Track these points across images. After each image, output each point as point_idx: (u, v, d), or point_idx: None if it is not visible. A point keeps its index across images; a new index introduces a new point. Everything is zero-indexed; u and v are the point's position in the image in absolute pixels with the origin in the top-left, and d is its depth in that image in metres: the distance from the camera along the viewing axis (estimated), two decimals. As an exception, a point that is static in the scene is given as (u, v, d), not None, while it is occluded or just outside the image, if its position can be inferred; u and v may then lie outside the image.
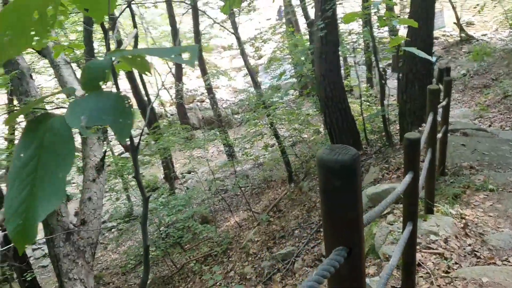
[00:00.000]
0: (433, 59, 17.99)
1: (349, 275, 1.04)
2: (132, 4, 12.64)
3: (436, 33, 24.22)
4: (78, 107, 0.52)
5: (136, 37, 12.61)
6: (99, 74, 0.58)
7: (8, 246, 4.60)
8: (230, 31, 11.57)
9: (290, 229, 7.02)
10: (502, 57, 15.77)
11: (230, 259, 7.52)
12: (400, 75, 7.35)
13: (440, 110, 4.72)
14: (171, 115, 21.22)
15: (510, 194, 4.43)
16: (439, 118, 4.61)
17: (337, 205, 0.96)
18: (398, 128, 8.08)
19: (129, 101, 0.55)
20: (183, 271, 7.83)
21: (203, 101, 22.90)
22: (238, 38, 11.34)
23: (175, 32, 16.84)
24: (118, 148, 17.57)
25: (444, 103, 4.65)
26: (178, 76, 17.85)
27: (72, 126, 0.50)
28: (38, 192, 0.51)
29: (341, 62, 10.07)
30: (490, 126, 9.51)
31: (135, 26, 12.52)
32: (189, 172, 16.58)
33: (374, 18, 9.08)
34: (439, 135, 4.83)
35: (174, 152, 16.00)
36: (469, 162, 5.36)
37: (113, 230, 13.33)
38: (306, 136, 12.66)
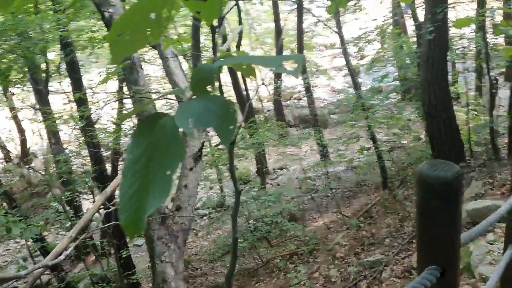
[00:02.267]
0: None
1: (440, 297, 0.99)
2: (240, 0, 13.05)
3: None
4: (187, 109, 0.57)
5: (240, 34, 12.99)
6: (208, 78, 0.62)
7: (109, 224, 5.00)
8: (334, 30, 11.47)
9: (380, 236, 6.82)
10: None
11: (316, 260, 7.49)
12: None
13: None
14: (268, 110, 21.55)
15: None
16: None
17: (435, 223, 0.91)
18: (506, 141, 7.47)
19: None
20: (268, 266, 7.96)
21: (300, 99, 22.90)
22: (341, 37, 11.20)
23: (278, 29, 17.09)
24: (215, 139, 18.28)
25: None
26: (278, 73, 18.10)
27: (181, 128, 0.55)
28: (149, 187, 0.56)
29: (449, 67, 9.49)
30: None
31: (240, 22, 12.93)
32: (281, 169, 16.74)
33: (488, 24, 8.44)
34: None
35: (268, 148, 16.26)
36: None
37: (205, 217, 13.92)
38: (405, 142, 12.16)
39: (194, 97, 0.61)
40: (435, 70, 6.53)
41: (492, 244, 3.80)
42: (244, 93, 14.20)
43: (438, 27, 6.21)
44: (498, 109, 7.39)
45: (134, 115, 6.12)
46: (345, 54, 11.31)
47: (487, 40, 7.18)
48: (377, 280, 5.80)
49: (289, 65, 0.62)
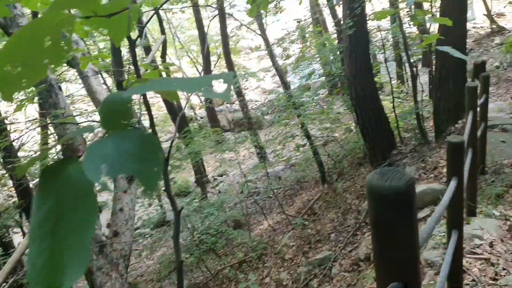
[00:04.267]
0: (460, 53, 17.50)
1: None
2: (160, 10, 12.76)
3: (467, 25, 23.55)
4: (97, 152, 0.46)
5: (164, 43, 12.70)
6: (120, 110, 0.52)
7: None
8: (257, 33, 11.51)
9: (326, 232, 6.90)
10: (539, 46, 15.12)
11: (265, 264, 7.44)
12: (433, 71, 7.12)
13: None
14: (201, 117, 21.34)
15: (558, 193, 4.19)
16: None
17: (392, 237, 0.85)
18: (432, 125, 7.85)
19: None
20: (218, 278, 7.80)
21: (233, 103, 22.92)
22: (265, 39, 11.28)
23: (202, 36, 16.94)
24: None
25: (482, 100, 4.44)
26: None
27: (92, 179, 0.44)
28: (63, 255, 0.45)
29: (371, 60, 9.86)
30: (530, 119, 9.10)
31: (163, 32, 12.64)
32: (221, 175, 16.61)
33: (402, 14, 8.85)
34: (478, 133, 4.63)
35: (205, 156, 16.07)
36: (510, 159, 5.12)
37: (146, 236, 13.47)
38: (337, 135, 12.48)
39: (107, 135, 0.50)
40: (359, 63, 6.73)
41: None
42: (175, 102, 13.89)
43: (357, 21, 6.41)
44: (421, 95, 7.74)
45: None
46: (271, 55, 11.41)
47: (404, 30, 7.49)
48: (327, 277, 5.85)
49: (217, 85, 0.53)
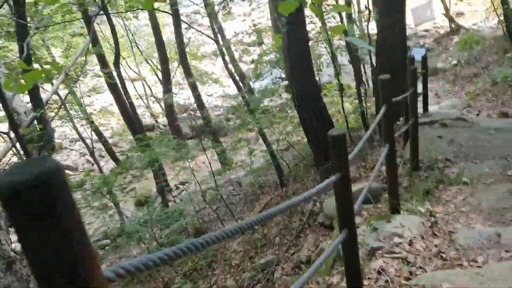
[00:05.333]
0: (423, 50, 17.71)
1: None
2: (112, 16, 12.45)
3: (426, 25, 23.94)
4: None
5: (117, 51, 12.32)
6: None
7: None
8: (209, 37, 11.34)
9: (271, 236, 6.74)
10: (492, 45, 15.44)
11: (214, 272, 7.23)
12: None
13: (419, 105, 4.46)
14: (164, 126, 21.02)
15: (485, 186, 4.13)
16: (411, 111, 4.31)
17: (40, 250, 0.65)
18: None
19: None
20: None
21: (196, 110, 22.66)
22: (217, 42, 11.11)
23: (159, 42, 16.63)
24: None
25: (408, 93, 4.36)
26: (167, 86, 17.61)
27: None
28: None
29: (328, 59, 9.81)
30: (478, 115, 9.19)
31: (115, 38, 12.30)
32: (182, 184, 16.31)
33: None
34: (403, 128, 4.57)
35: (167, 164, 15.77)
36: (445, 154, 5.06)
37: (106, 247, 13.06)
38: (300, 138, 12.42)
39: None
40: (298, 62, 6.60)
41: (358, 227, 3.78)
42: (130, 110, 13.56)
43: (294, 20, 6.28)
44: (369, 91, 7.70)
45: None
46: (224, 59, 11.24)
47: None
48: (270, 281, 5.68)
49: None
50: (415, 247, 3.29)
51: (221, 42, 11.66)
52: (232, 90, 25.27)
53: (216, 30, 11.64)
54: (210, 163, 12.22)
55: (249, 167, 13.35)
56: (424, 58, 7.02)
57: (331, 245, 2.18)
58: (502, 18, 12.98)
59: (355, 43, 2.70)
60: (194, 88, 14.45)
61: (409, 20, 23.84)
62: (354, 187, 5.37)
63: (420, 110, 7.52)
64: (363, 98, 7.39)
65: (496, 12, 15.82)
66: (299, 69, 6.61)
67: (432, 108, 11.37)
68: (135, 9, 11.42)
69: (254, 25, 20.46)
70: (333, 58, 10.32)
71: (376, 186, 5.09)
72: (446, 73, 16.13)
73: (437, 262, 3.12)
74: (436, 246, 3.29)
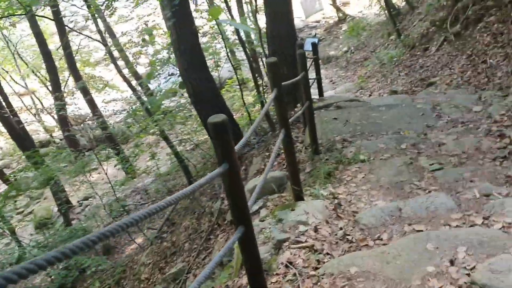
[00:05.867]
0: (316, 40, 18.24)
1: None
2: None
3: (316, 16, 24.83)
4: None
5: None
6: None
7: None
8: (96, 40, 10.58)
9: (180, 243, 6.37)
10: (377, 30, 16.30)
11: (123, 289, 6.71)
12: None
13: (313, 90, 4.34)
14: (61, 140, 19.54)
15: (382, 162, 4.14)
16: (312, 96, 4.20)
17: None
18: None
19: None
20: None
21: (94, 119, 21.33)
22: (105, 45, 10.40)
23: (45, 51, 15.29)
24: None
25: (299, 77, 4.25)
26: (58, 97, 16.28)
27: None
28: None
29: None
30: (370, 95, 9.56)
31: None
32: (86, 199, 15.24)
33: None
34: (298, 113, 4.47)
35: (66, 180, 14.63)
36: (341, 135, 5.07)
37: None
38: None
39: None
40: (189, 56, 6.29)
41: (263, 220, 3.57)
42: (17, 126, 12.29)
43: (180, 12, 5.93)
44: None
45: None
46: (115, 62, 10.55)
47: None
48: (183, 291, 5.33)
49: None
50: (321, 233, 3.16)
51: (109, 47, 10.93)
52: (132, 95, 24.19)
53: (105, 33, 10.88)
54: (106, 174, 11.47)
55: (155, 172, 12.81)
56: (314, 44, 7.06)
57: (225, 246, 1.92)
58: (383, 3, 13.69)
59: (236, 26, 2.46)
60: (85, 93, 13.48)
61: (300, 12, 24.57)
62: (259, 179, 5.19)
63: (316, 96, 7.62)
64: (261, 89, 7.27)
65: (377, -1, 16.73)
66: (192, 63, 6.30)
67: (327, 93, 11.69)
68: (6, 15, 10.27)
69: (146, 24, 19.71)
70: (231, 52, 10.22)
71: (281, 175, 4.95)
72: (338, 60, 16.77)
73: (343, 245, 3.00)
74: (341, 229, 3.19)
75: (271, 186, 4.92)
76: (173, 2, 5.75)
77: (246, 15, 13.61)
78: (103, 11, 10.47)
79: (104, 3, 9.36)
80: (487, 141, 4.18)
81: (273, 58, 3.21)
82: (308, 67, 7.76)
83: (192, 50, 6.34)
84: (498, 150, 3.97)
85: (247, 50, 7.00)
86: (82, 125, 20.57)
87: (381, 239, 2.97)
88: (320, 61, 18.40)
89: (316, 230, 3.19)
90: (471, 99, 5.60)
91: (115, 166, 15.94)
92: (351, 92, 10.76)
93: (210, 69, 12.66)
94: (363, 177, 3.94)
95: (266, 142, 6.74)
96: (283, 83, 3.42)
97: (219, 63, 12.37)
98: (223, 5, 9.03)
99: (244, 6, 14.46)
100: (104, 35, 10.98)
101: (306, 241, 3.08)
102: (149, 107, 10.58)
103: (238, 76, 10.85)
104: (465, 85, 6.65)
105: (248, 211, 2.06)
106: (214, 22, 10.33)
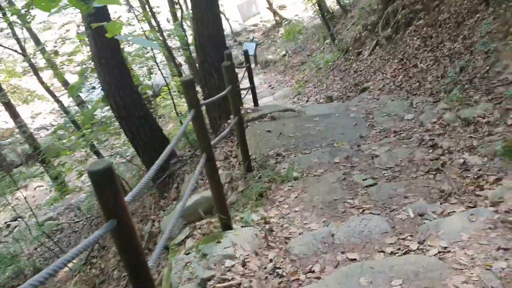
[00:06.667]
0: (254, 44, 18.05)
1: None
2: None
3: (254, 20, 24.74)
4: None
5: None
6: None
7: None
8: (14, 50, 9.77)
9: (109, 270, 5.88)
10: (313, 33, 16.37)
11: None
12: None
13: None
14: (-15, 156, 18.10)
15: (315, 179, 3.93)
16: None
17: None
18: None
19: None
20: None
21: (25, 132, 19.98)
22: (24, 56, 9.63)
23: None
24: None
25: (224, 92, 3.95)
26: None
27: None
28: None
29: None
30: (307, 101, 9.46)
31: None
32: (14, 219, 14.16)
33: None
34: (226, 130, 4.19)
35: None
36: (275, 149, 4.82)
37: None
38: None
39: None
40: (112, 69, 5.83)
41: (189, 253, 3.23)
42: None
43: (99, 20, 5.46)
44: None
45: None
46: (36, 72, 9.80)
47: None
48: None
49: None
50: (249, 267, 2.87)
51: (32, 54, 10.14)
52: (65, 103, 22.95)
53: (24, 42, 10.07)
54: (23, 194, 10.66)
55: (89, 188, 12.10)
56: (246, 52, 6.81)
57: None
58: (317, 7, 13.74)
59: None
60: (7, 106, 12.51)
61: (237, 16, 24.40)
62: (191, 200, 4.83)
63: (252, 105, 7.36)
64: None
65: (312, 2, 16.82)
66: (114, 76, 5.84)
67: (265, 100, 11.51)
68: None
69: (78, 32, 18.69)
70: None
71: (208, 194, 4.62)
72: (277, 64, 16.69)
73: (273, 281, 2.73)
74: (271, 261, 2.92)
75: (199, 210, 4.60)
76: (89, 11, 5.28)
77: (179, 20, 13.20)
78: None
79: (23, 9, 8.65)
80: (419, 152, 4.08)
81: (188, 76, 2.89)
82: (241, 77, 7.53)
83: (115, 60, 5.89)
84: (431, 161, 3.86)
85: (176, 60, 6.62)
86: (9, 140, 19.22)
87: (313, 271, 2.72)
88: (258, 65, 18.28)
89: (244, 264, 2.90)
90: (403, 105, 5.55)
91: (36, 188, 15.02)
92: (289, 98, 10.64)
93: (143, 78, 12.17)
94: (296, 197, 3.70)
95: (199, 157, 6.39)
96: (203, 102, 3.11)
97: (151, 70, 11.89)
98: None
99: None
100: (23, 44, 10.17)
101: (232, 279, 2.78)
102: (80, 118, 9.97)
103: (173, 84, 10.44)
104: (397, 90, 6.63)
105: (147, 271, 1.73)
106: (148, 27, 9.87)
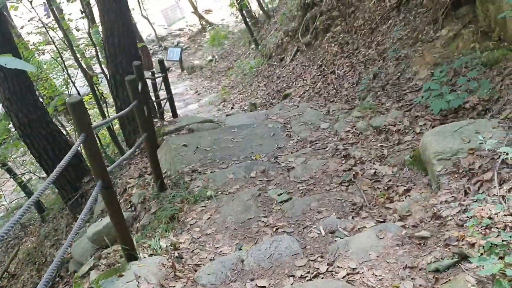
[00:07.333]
0: (179, 50, 17.66)
1: None
2: None
3: (179, 24, 24.31)
4: None
5: None
6: None
7: None
8: None
9: (17, 303, 5.38)
10: (239, 38, 16.32)
11: None
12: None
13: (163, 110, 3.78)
14: None
15: (229, 197, 3.76)
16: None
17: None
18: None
19: None
20: None
21: None
22: None
23: None
24: None
25: (129, 108, 3.69)
26: None
27: None
28: None
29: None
30: (232, 108, 9.33)
31: None
32: None
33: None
34: (130, 151, 3.95)
35: None
36: (191, 165, 4.61)
37: None
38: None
39: None
40: (11, 83, 5.34)
41: None
42: None
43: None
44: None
45: None
46: None
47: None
48: None
49: None
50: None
51: None
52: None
53: None
54: None
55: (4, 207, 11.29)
56: (161, 61, 6.54)
57: None
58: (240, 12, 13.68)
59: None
60: None
61: (162, 21, 23.85)
62: (101, 224, 4.49)
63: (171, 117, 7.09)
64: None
65: (236, 7, 16.77)
66: (14, 91, 5.34)
67: (192, 106, 11.25)
68: None
69: None
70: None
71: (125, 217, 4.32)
72: (203, 69, 16.46)
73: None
74: (177, 293, 2.71)
75: (111, 237, 4.28)
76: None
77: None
78: None
79: None
80: (333, 163, 4.05)
81: (74, 97, 2.61)
82: (159, 86, 7.23)
83: (15, 75, 5.39)
84: (344, 172, 3.84)
85: (86, 71, 6.21)
86: None
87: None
88: (185, 71, 17.88)
89: (148, 300, 2.67)
90: (320, 114, 5.54)
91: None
92: (214, 105, 10.45)
93: (59, 86, 11.43)
94: (208, 218, 3.52)
95: (113, 174, 6.03)
96: (95, 124, 2.85)
97: (68, 80, 11.21)
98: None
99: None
100: None
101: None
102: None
103: (96, 92, 9.89)
104: (317, 97, 6.66)
105: None
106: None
